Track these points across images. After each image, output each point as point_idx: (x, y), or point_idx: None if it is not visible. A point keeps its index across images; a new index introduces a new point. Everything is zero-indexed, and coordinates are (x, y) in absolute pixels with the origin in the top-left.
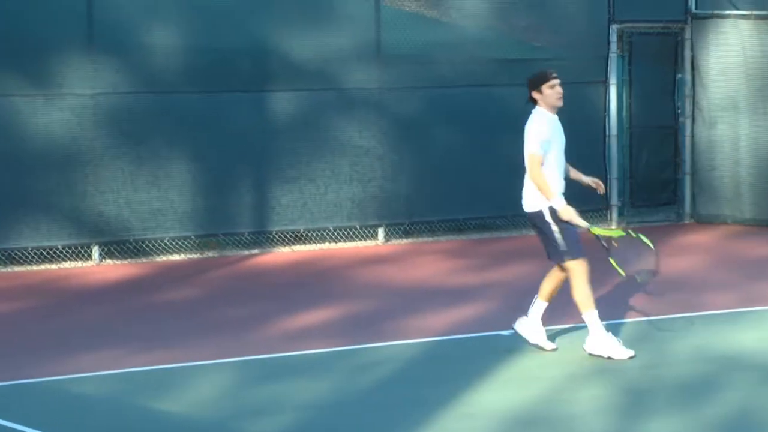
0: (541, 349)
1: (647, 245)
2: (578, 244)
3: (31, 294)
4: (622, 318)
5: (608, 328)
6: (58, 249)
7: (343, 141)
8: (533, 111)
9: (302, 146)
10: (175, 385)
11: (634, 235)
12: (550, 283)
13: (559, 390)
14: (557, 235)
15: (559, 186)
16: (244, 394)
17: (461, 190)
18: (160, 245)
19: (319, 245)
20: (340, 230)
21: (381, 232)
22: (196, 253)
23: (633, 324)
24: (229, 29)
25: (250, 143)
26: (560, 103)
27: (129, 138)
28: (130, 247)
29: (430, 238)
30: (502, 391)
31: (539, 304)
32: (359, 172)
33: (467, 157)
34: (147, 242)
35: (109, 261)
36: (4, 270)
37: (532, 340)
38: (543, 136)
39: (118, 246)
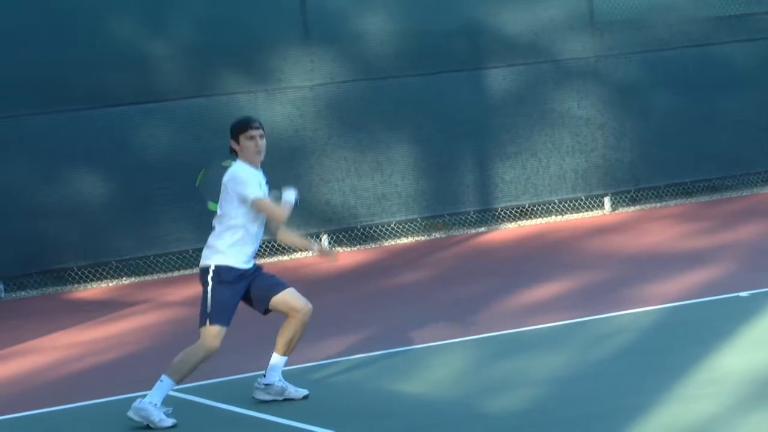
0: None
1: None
2: (223, 311)
3: None
4: None
5: None
6: None
7: (561, 112)
8: (234, 165)
9: (521, 121)
10: (413, 367)
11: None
12: (283, 332)
13: None
14: (208, 295)
15: (250, 250)
16: (483, 372)
17: (686, 152)
18: (387, 230)
19: (545, 219)
20: (566, 202)
21: (607, 201)
22: (423, 236)
23: None
24: (440, 9)
25: (469, 122)
26: (260, 158)
27: (350, 126)
28: (358, 233)
29: (658, 204)
30: (745, 354)
31: (275, 358)
32: (581, 142)
33: (690, 118)
34: (374, 228)
35: (338, 248)
36: None
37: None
38: (255, 179)
39: (346, 233)
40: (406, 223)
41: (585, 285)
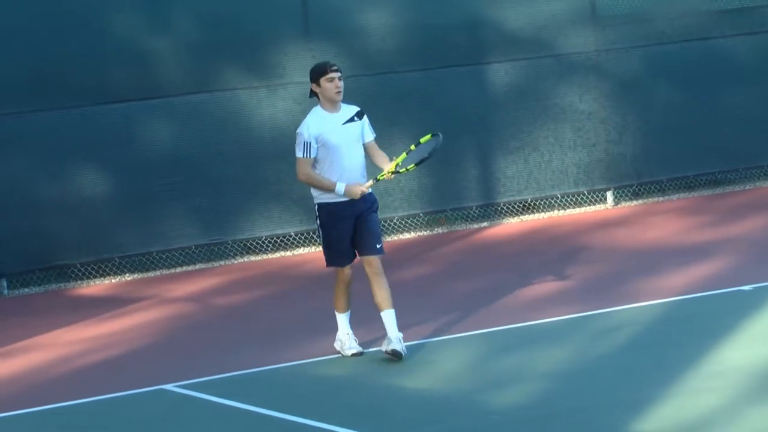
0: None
1: (427, 141)
2: (335, 253)
3: (269, 282)
4: None
5: None
6: (290, 236)
7: (563, 107)
8: (309, 113)
9: (523, 115)
10: (416, 361)
11: (413, 147)
12: (373, 288)
13: None
14: (321, 237)
15: (347, 177)
16: (487, 366)
17: (689, 146)
18: (389, 225)
19: (547, 213)
20: (568, 197)
21: (609, 195)
22: (425, 231)
23: None
24: (442, 4)
25: (472, 117)
26: (339, 98)
27: None
28: None
29: (661, 198)
30: (750, 348)
31: (383, 315)
32: (583, 137)
33: (692, 112)
34: None
35: None
36: (241, 260)
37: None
38: (308, 138)
39: None
40: (408, 219)
41: (588, 279)
